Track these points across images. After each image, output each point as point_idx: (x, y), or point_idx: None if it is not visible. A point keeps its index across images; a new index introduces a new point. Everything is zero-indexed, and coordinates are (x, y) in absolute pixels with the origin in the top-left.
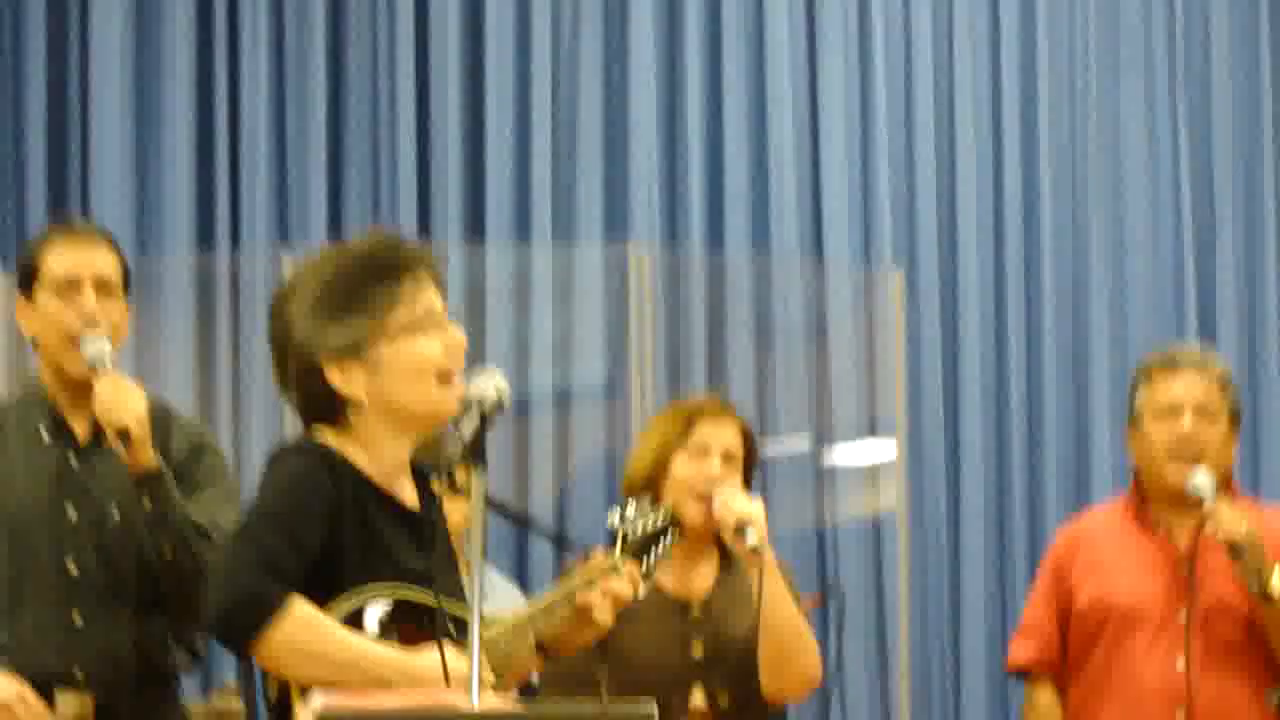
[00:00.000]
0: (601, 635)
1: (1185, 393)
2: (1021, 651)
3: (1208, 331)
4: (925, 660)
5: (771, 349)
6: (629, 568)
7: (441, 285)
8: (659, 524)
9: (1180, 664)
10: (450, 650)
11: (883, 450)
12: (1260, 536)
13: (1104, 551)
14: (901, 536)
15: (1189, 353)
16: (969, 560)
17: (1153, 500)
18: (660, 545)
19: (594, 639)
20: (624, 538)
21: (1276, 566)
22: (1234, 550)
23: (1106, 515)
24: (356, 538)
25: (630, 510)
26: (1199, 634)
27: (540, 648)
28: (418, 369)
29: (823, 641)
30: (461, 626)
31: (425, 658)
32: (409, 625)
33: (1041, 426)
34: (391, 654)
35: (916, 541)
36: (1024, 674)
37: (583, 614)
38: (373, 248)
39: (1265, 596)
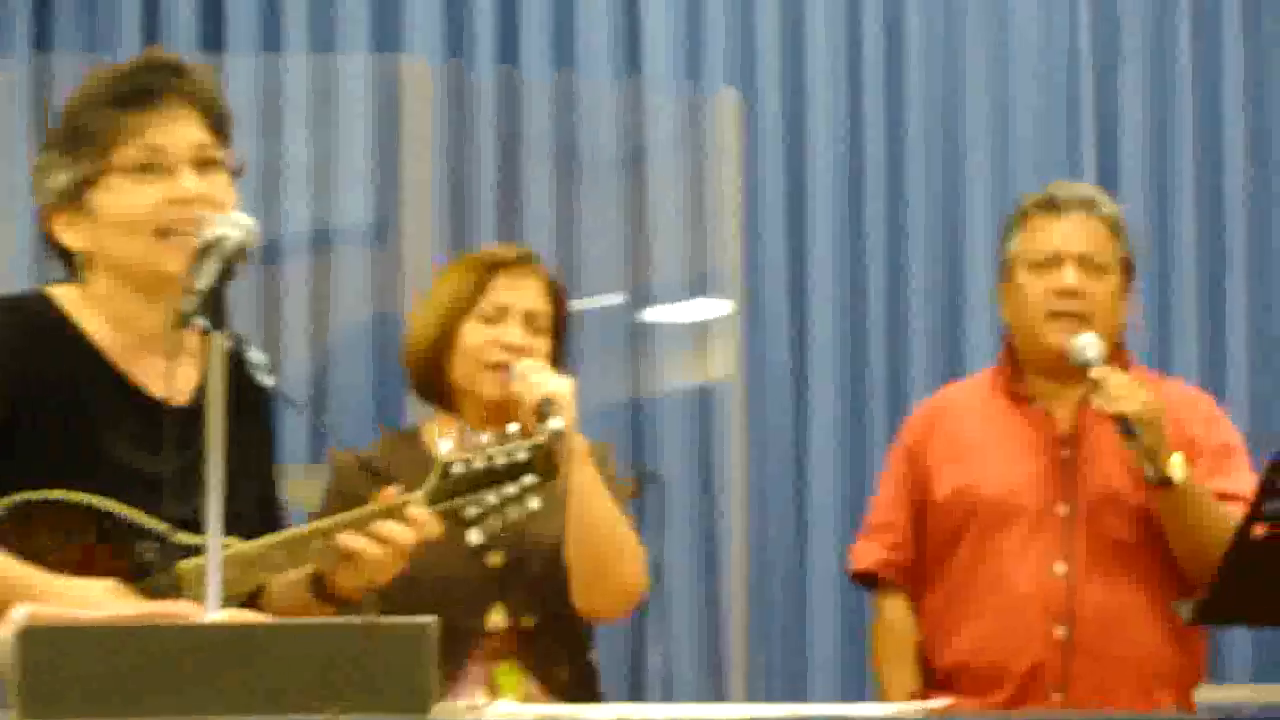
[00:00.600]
0: (383, 583)
1: (1066, 240)
2: (867, 554)
3: (1109, 175)
4: (764, 562)
5: (578, 185)
6: (425, 513)
7: (214, 118)
8: (513, 459)
9: (1060, 567)
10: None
11: (714, 307)
12: (1159, 411)
13: (967, 432)
14: (736, 410)
15: (1073, 192)
16: (817, 441)
17: (1027, 369)
18: (508, 489)
19: (376, 584)
20: (444, 470)
21: (1177, 452)
22: (1126, 428)
23: (971, 388)
24: (53, 418)
25: (484, 437)
26: (1082, 531)
27: (321, 588)
28: (130, 220)
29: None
30: (173, 553)
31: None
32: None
33: (906, 280)
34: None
35: (755, 417)
36: (870, 581)
37: (350, 558)
38: (116, 73)
39: (1163, 482)
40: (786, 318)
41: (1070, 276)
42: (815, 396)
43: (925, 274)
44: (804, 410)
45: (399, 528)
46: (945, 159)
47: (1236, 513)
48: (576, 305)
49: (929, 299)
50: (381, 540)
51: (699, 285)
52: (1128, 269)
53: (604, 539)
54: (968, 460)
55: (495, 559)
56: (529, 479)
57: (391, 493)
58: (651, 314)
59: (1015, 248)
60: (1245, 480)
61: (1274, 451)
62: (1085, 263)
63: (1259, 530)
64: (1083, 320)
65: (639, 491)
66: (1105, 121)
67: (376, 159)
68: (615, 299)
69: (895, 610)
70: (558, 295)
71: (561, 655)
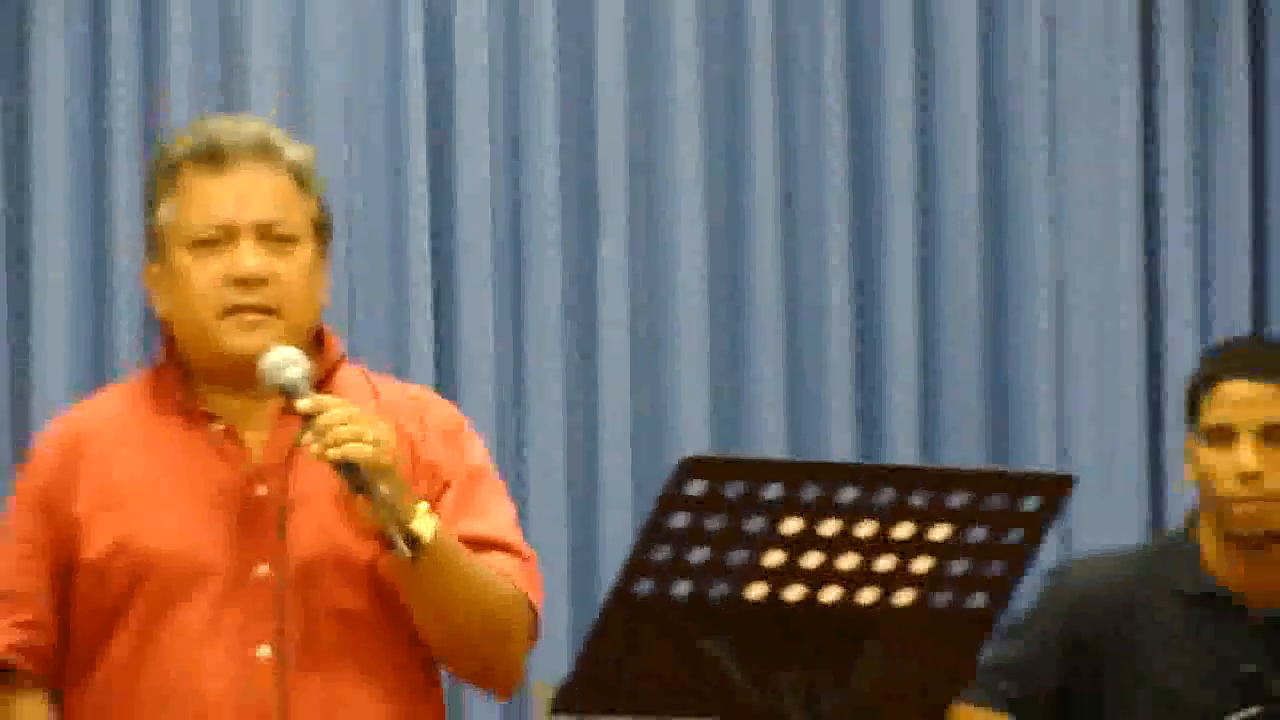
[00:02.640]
0: None
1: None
2: None
3: None
4: None
5: None
6: None
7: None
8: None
9: (264, 651)
10: None
11: None
12: (395, 455)
13: (121, 464)
14: None
15: (238, 134)
16: None
17: (199, 377)
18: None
19: None
20: None
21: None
22: (355, 481)
23: (121, 402)
24: None
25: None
26: (297, 603)
27: None
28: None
29: None
30: None
31: None
32: None
33: None
34: None
35: None
36: None
37: None
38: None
39: (410, 543)
40: None
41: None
42: None
43: None
44: None
45: None
46: None
47: (503, 564)
48: None
49: None
50: None
51: None
52: (323, 232)
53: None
54: (125, 504)
55: None
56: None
57: None
58: None
59: (170, 218)
60: (504, 516)
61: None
62: (265, 234)
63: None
64: (268, 317)
65: None
66: None
67: None
68: None
69: (31, 714)
70: None
71: None
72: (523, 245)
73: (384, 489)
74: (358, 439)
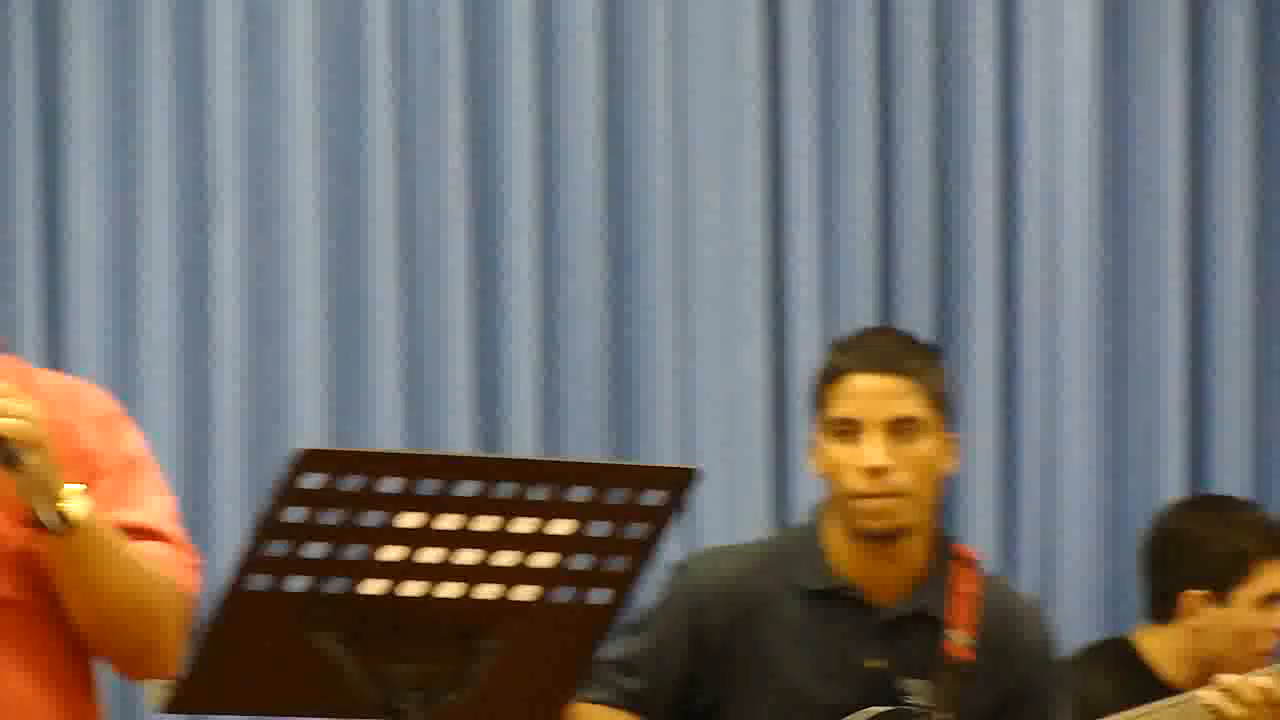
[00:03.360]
0: None
1: None
2: None
3: None
4: None
5: None
6: None
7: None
8: None
9: None
10: None
11: None
12: (46, 430)
13: None
14: None
15: None
16: None
17: None
18: None
19: None
20: None
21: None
22: (3, 453)
23: None
24: None
25: None
26: None
27: None
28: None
29: None
30: None
31: None
32: None
33: None
34: None
35: None
36: None
37: None
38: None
39: (62, 522)
40: None
41: None
42: None
43: None
44: None
45: None
46: None
47: (158, 552)
48: None
49: None
50: None
51: None
52: None
53: None
54: None
55: None
56: None
57: None
58: None
59: None
60: (160, 506)
61: None
62: None
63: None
64: None
65: None
66: None
67: None
68: None
69: None
70: None
71: None
72: (136, 236)
73: (33, 460)
74: (3, 413)
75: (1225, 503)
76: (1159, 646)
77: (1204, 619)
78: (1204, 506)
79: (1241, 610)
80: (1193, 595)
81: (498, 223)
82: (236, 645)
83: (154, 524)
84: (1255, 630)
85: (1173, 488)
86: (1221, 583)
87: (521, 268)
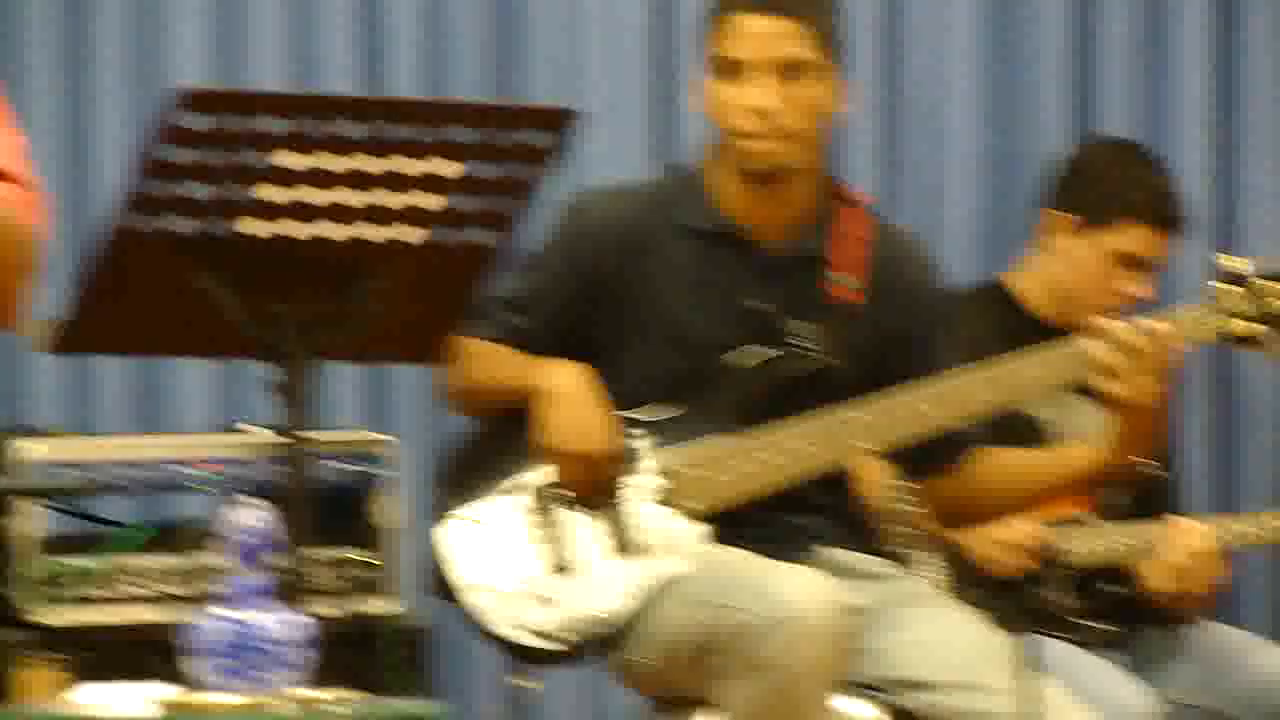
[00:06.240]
0: None
1: None
2: None
3: None
4: None
5: None
6: None
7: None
8: None
9: None
10: None
11: None
12: None
13: None
14: None
15: None
16: None
17: None
18: None
19: None
20: None
21: None
22: None
23: None
24: None
25: None
26: None
27: None
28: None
29: None
30: None
31: None
32: None
33: None
34: None
35: None
36: None
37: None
38: None
39: None
40: None
41: None
42: None
43: None
44: None
45: None
46: None
47: (4, 193)
48: None
49: None
50: None
51: None
52: None
53: None
54: None
55: None
56: None
57: None
58: None
59: None
60: (9, 145)
61: None
62: None
63: None
64: None
65: None
66: None
67: None
68: None
69: None
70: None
71: None
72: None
73: None
74: None
75: (1141, 155)
76: (1027, 281)
77: (1060, 243)
78: (1120, 148)
79: (1095, 253)
80: (1059, 215)
81: None
82: (119, 287)
83: (1, 163)
84: (1100, 277)
85: (1059, 132)
86: (1090, 216)
87: None
